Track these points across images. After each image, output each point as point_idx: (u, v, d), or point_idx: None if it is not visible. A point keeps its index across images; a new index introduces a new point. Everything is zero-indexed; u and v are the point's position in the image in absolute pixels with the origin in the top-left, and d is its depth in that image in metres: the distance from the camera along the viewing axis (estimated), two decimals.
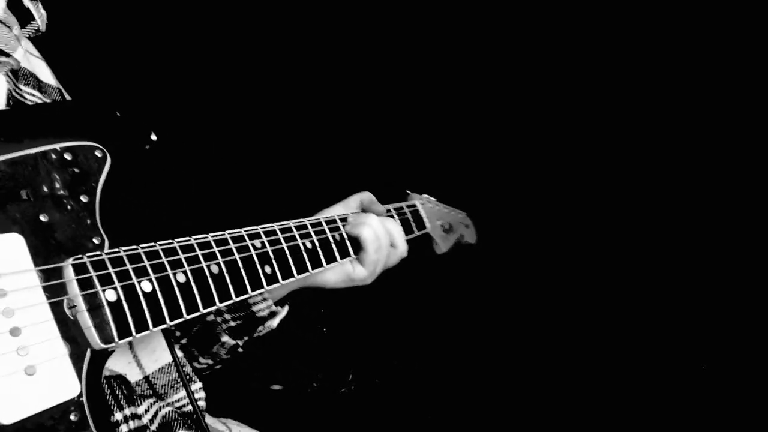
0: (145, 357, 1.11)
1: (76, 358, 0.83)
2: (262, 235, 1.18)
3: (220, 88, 2.80)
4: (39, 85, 1.13)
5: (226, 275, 1.07)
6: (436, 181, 2.09)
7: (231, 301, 1.07)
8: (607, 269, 3.21)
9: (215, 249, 1.07)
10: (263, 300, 1.29)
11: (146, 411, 1.12)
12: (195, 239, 1.05)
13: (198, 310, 1.01)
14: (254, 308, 1.28)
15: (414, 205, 1.72)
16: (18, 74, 1.09)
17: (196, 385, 1.17)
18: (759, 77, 2.94)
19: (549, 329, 3.23)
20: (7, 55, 1.09)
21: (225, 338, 1.28)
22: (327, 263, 1.28)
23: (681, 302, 3.13)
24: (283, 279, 1.19)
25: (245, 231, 1.15)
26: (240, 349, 1.32)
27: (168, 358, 1.14)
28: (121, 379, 1.06)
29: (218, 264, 1.06)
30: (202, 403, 1.18)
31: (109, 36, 2.38)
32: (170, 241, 1.01)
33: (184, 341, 1.28)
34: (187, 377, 1.18)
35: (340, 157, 2.99)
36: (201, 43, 2.76)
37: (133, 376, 1.14)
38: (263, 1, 2.91)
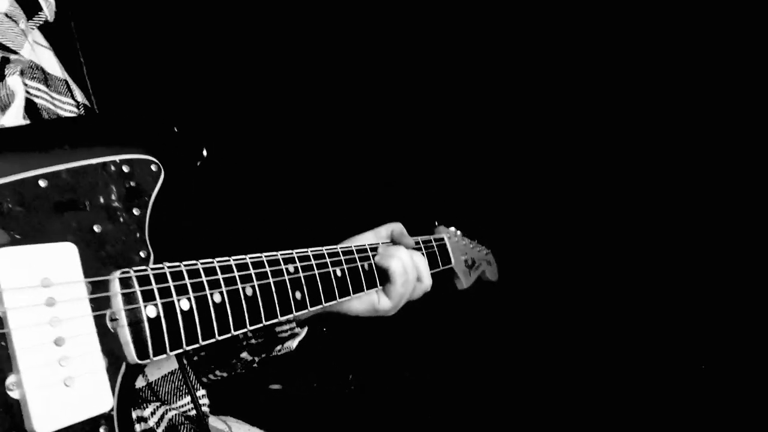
0: (150, 365, 1.12)
1: (113, 372, 0.84)
2: (297, 260, 1.19)
3: (261, 110, 2.85)
4: (45, 78, 1.12)
5: (259, 299, 1.08)
6: (461, 213, 2.10)
7: (260, 325, 1.08)
8: (606, 270, 3.23)
9: (252, 271, 1.08)
10: (288, 322, 1.30)
11: (152, 414, 1.13)
12: (234, 260, 1.06)
13: (229, 332, 1.02)
14: (277, 328, 1.30)
15: (442, 239, 1.73)
16: (24, 70, 1.08)
17: (200, 392, 1.19)
18: (759, 77, 2.94)
19: (549, 329, 3.25)
20: (14, 52, 1.08)
21: (244, 354, 1.30)
22: (354, 292, 1.29)
23: (681, 302, 3.15)
24: (311, 306, 1.20)
25: (281, 255, 1.17)
26: (255, 365, 1.33)
27: (171, 366, 1.16)
28: None
29: (253, 287, 1.07)
30: (205, 408, 1.19)
31: (123, 28, 2.40)
32: (210, 260, 1.02)
33: (203, 353, 1.29)
34: (193, 383, 1.20)
35: (373, 182, 3.02)
36: (250, 66, 2.80)
37: (138, 382, 1.16)
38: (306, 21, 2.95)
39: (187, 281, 0.96)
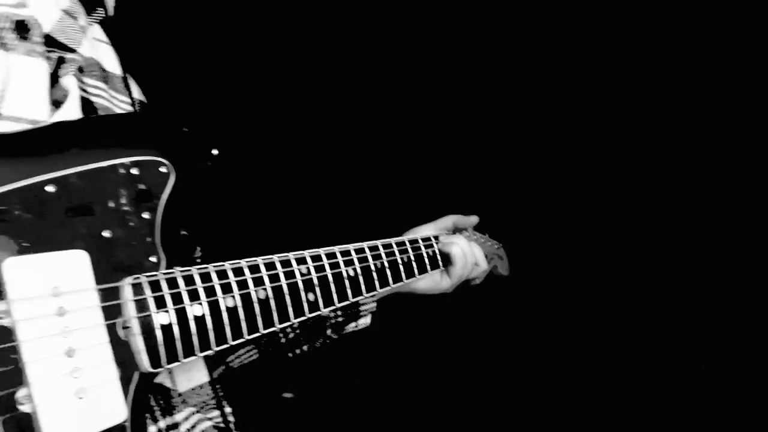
0: (180, 375, 1.10)
1: (125, 382, 0.82)
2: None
3: (274, 109, 2.84)
4: (104, 76, 1.10)
5: (272, 301, 1.06)
6: (473, 205, 2.09)
7: (273, 329, 1.06)
8: (606, 270, 3.22)
9: (263, 273, 1.06)
10: (371, 298, 1.47)
11: (185, 419, 1.11)
12: (246, 262, 1.04)
13: (242, 337, 1.00)
14: (361, 306, 1.47)
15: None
16: (83, 68, 1.07)
17: (228, 409, 1.17)
18: (759, 77, 2.93)
19: (548, 329, 3.25)
20: (72, 51, 1.06)
21: (328, 332, 1.45)
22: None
23: (681, 302, 3.15)
24: (325, 306, 1.18)
25: (307, 253, 1.17)
26: (328, 341, 1.48)
27: (201, 379, 1.14)
28: (159, 389, 1.05)
29: (265, 289, 1.05)
30: (232, 426, 1.18)
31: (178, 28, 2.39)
32: (222, 263, 1.00)
33: (298, 331, 1.41)
34: (222, 397, 1.18)
35: (385, 179, 3.03)
36: (264, 62, 2.78)
37: (166, 382, 1.14)
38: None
39: (199, 286, 0.94)
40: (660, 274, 3.18)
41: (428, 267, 1.52)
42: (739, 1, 2.89)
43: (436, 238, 1.60)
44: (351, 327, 1.50)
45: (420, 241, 1.52)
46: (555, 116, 3.23)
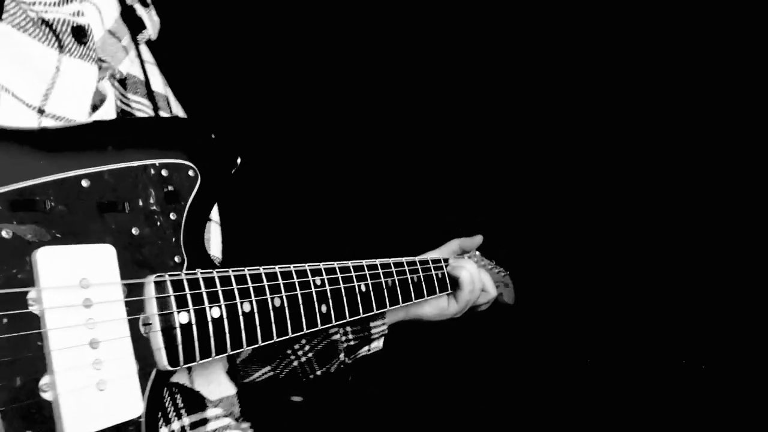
0: (199, 379, 1.10)
1: (143, 377, 0.83)
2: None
3: (299, 121, 2.91)
4: (148, 93, 1.15)
5: (287, 309, 1.07)
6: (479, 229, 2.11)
7: (286, 337, 1.07)
8: (605, 269, 3.21)
9: (280, 282, 1.07)
10: (381, 320, 1.51)
11: (216, 417, 1.10)
12: (263, 269, 1.05)
13: (257, 342, 1.01)
14: (373, 330, 1.47)
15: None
16: (126, 83, 1.11)
17: (245, 424, 1.17)
18: (759, 77, 2.95)
19: (548, 329, 3.24)
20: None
21: (341, 356, 1.46)
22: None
23: (681, 302, 3.14)
24: (337, 320, 1.19)
25: (322, 265, 1.19)
26: (342, 366, 1.48)
27: (222, 392, 1.13)
28: (179, 387, 1.05)
29: (281, 297, 1.06)
30: None
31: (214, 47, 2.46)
32: (241, 268, 1.02)
33: (310, 354, 1.42)
34: (240, 413, 1.18)
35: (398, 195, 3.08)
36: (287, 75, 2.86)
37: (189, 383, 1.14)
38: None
39: (219, 289, 0.95)
40: (660, 273, 3.17)
41: (437, 289, 1.54)
42: (739, 1, 2.94)
43: (446, 260, 1.62)
44: (364, 351, 1.52)
45: (431, 263, 1.54)
46: (555, 124, 3.27)
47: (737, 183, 3.06)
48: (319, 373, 1.45)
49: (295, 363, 1.44)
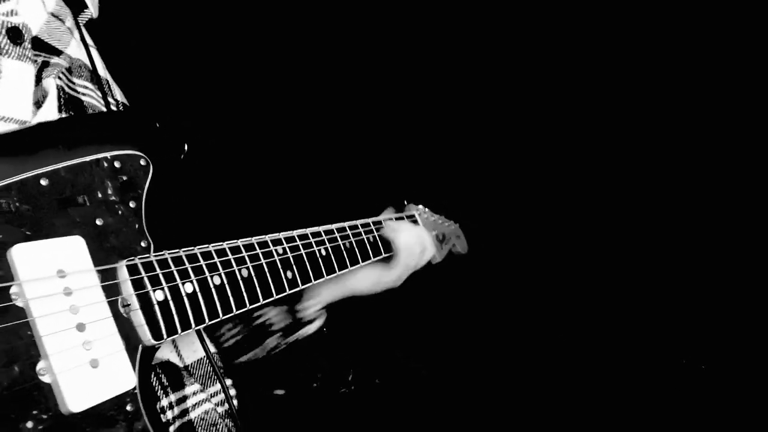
0: (185, 348, 1.17)
1: (131, 353, 0.89)
2: (296, 239, 1.28)
3: (244, 96, 2.87)
4: (91, 76, 1.16)
5: (255, 279, 1.14)
6: (428, 189, 2.17)
7: (258, 304, 1.14)
8: (605, 269, 3.28)
9: (244, 254, 1.14)
10: (316, 309, 1.44)
11: (194, 393, 1.17)
12: (227, 244, 1.12)
13: (231, 311, 1.08)
14: (299, 314, 1.43)
15: (413, 216, 1.80)
16: (71, 68, 1.13)
17: (228, 381, 1.24)
18: (759, 77, 2.99)
19: (548, 329, 3.29)
20: (60, 52, 1.11)
21: (269, 339, 1.42)
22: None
23: (681, 302, 3.19)
24: (302, 283, 1.27)
25: (283, 235, 1.24)
26: (276, 351, 1.43)
27: (202, 354, 1.21)
28: (167, 365, 1.11)
29: (248, 268, 1.13)
30: (234, 401, 1.24)
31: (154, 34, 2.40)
32: (206, 245, 1.08)
33: (239, 338, 1.39)
34: (221, 371, 1.24)
35: (337, 163, 3.08)
36: (230, 52, 2.81)
37: (172, 358, 1.20)
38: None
39: (188, 266, 1.01)
40: (659, 273, 3.23)
41: (371, 254, 1.47)
42: (740, 1, 2.97)
43: (377, 223, 1.54)
44: (296, 336, 1.46)
45: (360, 227, 1.47)
46: (554, 123, 3.29)
47: (737, 183, 3.10)
48: (251, 354, 1.42)
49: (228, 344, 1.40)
